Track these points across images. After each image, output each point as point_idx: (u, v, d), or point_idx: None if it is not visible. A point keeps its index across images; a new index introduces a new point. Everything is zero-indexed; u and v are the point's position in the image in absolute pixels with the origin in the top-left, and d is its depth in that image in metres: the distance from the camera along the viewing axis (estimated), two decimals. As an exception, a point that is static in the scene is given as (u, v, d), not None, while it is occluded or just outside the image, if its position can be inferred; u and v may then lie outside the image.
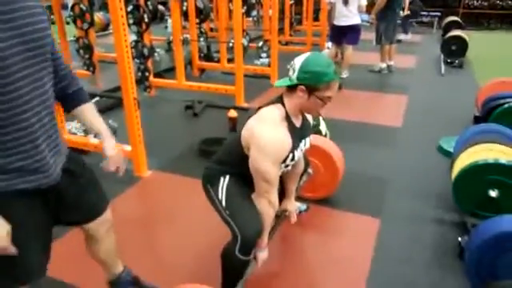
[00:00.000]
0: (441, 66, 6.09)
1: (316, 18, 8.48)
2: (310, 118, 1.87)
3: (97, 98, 4.33)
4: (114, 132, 3.74)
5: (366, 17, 6.04)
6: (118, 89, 3.54)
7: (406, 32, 8.98)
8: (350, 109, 4.43)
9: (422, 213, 2.47)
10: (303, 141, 1.74)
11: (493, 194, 2.18)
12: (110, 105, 4.24)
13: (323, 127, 3.40)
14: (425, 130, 3.71)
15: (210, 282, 1.48)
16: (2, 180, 1.13)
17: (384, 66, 5.86)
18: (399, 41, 8.34)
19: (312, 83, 1.52)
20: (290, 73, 1.56)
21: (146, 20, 4.37)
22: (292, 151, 1.62)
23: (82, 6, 4.63)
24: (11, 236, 1.11)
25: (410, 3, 8.49)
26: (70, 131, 3.48)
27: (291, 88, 1.57)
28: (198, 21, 5.43)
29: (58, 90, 1.32)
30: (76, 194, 1.36)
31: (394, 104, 4.53)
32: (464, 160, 2.36)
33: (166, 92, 4.91)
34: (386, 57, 5.83)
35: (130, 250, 2.12)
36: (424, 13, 9.93)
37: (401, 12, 8.82)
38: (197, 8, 5.40)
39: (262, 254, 1.73)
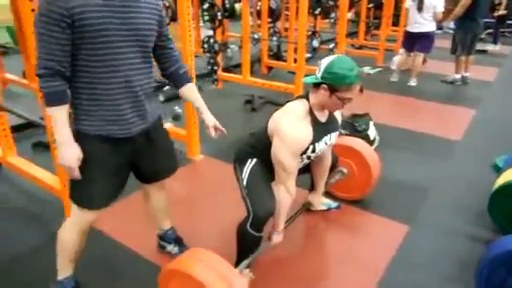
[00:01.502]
0: (525, 82, 5.64)
1: (395, 24, 8.25)
2: (338, 116, 1.98)
3: (167, 87, 4.74)
4: (179, 118, 4.12)
5: (451, 25, 5.77)
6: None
7: (495, 42, 8.36)
8: (410, 118, 4.35)
9: (455, 227, 2.43)
10: (328, 135, 1.85)
11: (531, 215, 2.10)
12: (179, 93, 4.63)
13: (372, 132, 3.44)
14: (485, 147, 3.54)
15: (230, 252, 1.75)
16: (87, 124, 1.49)
17: (458, 77, 5.58)
18: (485, 51, 7.81)
19: (334, 83, 1.65)
20: (317, 72, 1.70)
21: (219, 18, 4.68)
22: (313, 143, 1.75)
23: (165, 1, 5.08)
24: (86, 167, 1.49)
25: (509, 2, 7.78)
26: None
27: (316, 86, 1.71)
28: (269, 20, 5.66)
29: (171, 72, 1.74)
30: (147, 157, 1.70)
31: (458, 117, 4.34)
32: (507, 176, 2.29)
33: (233, 86, 5.21)
34: (461, 68, 5.54)
35: (173, 219, 2.41)
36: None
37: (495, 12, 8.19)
38: (270, 8, 5.63)
39: (277, 237, 1.89)
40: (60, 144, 1.44)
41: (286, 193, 1.79)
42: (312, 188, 2.30)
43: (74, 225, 1.68)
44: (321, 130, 1.80)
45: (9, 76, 4.74)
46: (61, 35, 1.34)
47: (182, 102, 3.35)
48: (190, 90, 1.79)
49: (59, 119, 1.42)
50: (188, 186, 3.03)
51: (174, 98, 4.57)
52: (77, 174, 1.48)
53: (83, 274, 1.87)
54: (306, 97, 1.78)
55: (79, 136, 1.50)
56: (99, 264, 2.09)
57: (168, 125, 3.62)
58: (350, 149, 2.54)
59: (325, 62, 1.69)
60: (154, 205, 1.99)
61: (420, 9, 5.03)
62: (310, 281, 2.02)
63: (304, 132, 1.72)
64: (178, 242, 2.12)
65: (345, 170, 2.53)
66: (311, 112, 1.75)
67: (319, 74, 1.68)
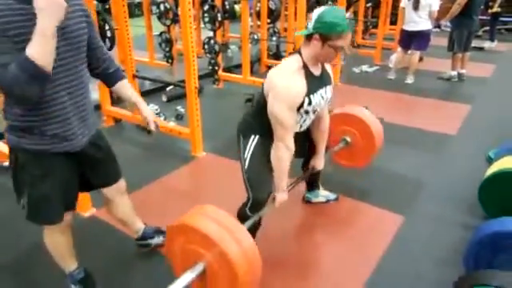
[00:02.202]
0: (520, 78, 5.74)
1: (393, 22, 8.35)
2: (330, 70, 2.02)
3: (171, 87, 4.86)
4: (182, 117, 4.24)
5: (449, 23, 5.87)
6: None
7: (492, 39, 8.45)
8: (407, 114, 4.46)
9: (450, 217, 2.53)
10: (323, 88, 1.90)
11: (519, 203, 2.20)
12: (181, 93, 4.74)
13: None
14: (479, 141, 3.64)
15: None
16: (42, 144, 1.49)
17: (454, 73, 5.68)
18: (481, 48, 7.91)
19: (325, 32, 1.69)
20: (308, 24, 1.75)
21: (219, 19, 4.79)
22: (308, 95, 1.79)
23: (166, 4, 5.21)
24: (39, 185, 1.52)
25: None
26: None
27: (308, 38, 1.76)
28: (269, 21, 5.78)
29: (101, 71, 1.70)
30: (98, 163, 1.74)
31: (454, 112, 4.44)
32: (497, 166, 2.39)
33: (233, 85, 5.32)
34: (457, 65, 5.64)
35: (173, 213, 2.52)
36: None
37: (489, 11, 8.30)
38: (269, 9, 5.75)
39: (280, 196, 1.92)
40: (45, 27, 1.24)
41: (285, 149, 1.80)
42: (313, 153, 2.29)
43: (50, 231, 1.74)
44: (315, 82, 1.83)
45: None
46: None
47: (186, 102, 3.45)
48: (122, 87, 1.78)
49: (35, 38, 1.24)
50: (191, 181, 3.15)
51: (177, 98, 4.69)
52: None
53: (93, 264, 1.99)
54: (299, 52, 1.81)
55: (27, 154, 1.50)
56: (109, 254, 2.20)
57: (172, 124, 3.75)
58: (353, 117, 2.56)
59: (316, 13, 1.72)
60: (121, 210, 2.00)
61: (416, 8, 5.13)
62: (306, 269, 2.13)
63: (297, 84, 1.75)
64: (159, 231, 2.17)
65: (348, 139, 2.58)
66: (305, 66, 1.79)
67: (311, 26, 1.72)
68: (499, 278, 1.45)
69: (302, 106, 1.80)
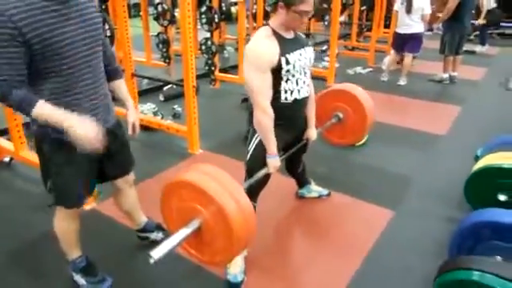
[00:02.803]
0: (510, 81, 5.87)
1: (387, 26, 8.48)
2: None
3: (168, 86, 4.94)
4: (179, 116, 4.32)
5: (435, 27, 6.00)
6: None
7: (483, 43, 8.62)
8: (398, 115, 4.58)
9: (438, 212, 2.64)
10: (301, 49, 1.95)
11: (502, 197, 2.31)
12: (178, 93, 4.83)
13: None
14: (468, 140, 3.75)
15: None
16: (59, 132, 1.52)
17: (446, 76, 5.81)
18: (473, 52, 8.06)
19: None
20: None
21: (216, 20, 4.88)
22: (283, 55, 1.85)
23: (164, 5, 5.29)
24: (61, 170, 1.63)
25: (488, 12, 8.14)
26: (143, 112, 4.11)
27: (274, 7, 1.85)
28: (264, 22, 5.87)
29: (104, 66, 1.77)
30: (116, 151, 1.82)
31: (444, 113, 4.57)
32: (482, 163, 2.50)
33: (229, 86, 5.41)
34: (448, 67, 5.78)
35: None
36: (508, 24, 9.41)
37: (476, 21, 8.55)
38: (265, 11, 5.85)
39: (272, 161, 1.96)
40: (70, 125, 1.44)
41: (262, 113, 1.85)
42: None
43: (64, 217, 1.84)
44: (288, 43, 1.89)
45: None
46: (12, 54, 1.38)
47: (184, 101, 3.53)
48: (118, 86, 1.88)
49: (49, 112, 1.45)
50: (189, 178, 3.23)
51: (174, 97, 4.78)
52: (99, 140, 1.48)
53: (94, 255, 2.07)
54: (267, 24, 1.91)
55: (51, 142, 1.60)
56: (110, 246, 2.29)
57: (170, 122, 3.83)
58: (345, 93, 2.58)
59: None
60: (127, 200, 2.09)
61: (409, 11, 5.25)
62: (297, 263, 2.23)
63: (266, 45, 1.82)
64: (159, 227, 2.26)
65: (340, 115, 2.60)
66: (274, 32, 1.87)
67: None
68: (478, 262, 1.55)
69: (280, 67, 1.85)
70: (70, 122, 1.45)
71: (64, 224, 1.85)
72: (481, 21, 8.07)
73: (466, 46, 8.22)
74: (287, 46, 1.87)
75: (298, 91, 1.99)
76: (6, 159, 3.23)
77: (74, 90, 1.56)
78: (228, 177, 1.52)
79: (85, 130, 1.44)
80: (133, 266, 2.16)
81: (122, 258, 2.21)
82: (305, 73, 2.01)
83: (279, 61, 1.84)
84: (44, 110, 1.45)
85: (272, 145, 1.94)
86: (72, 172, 1.67)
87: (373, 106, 2.59)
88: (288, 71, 1.89)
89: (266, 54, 1.81)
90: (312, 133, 2.28)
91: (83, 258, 1.97)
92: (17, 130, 2.91)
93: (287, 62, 1.86)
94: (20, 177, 3.10)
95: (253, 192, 1.98)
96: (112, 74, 1.84)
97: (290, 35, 1.93)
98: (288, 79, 1.92)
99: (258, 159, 1.98)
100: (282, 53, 1.85)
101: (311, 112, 2.24)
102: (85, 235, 2.00)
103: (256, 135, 1.99)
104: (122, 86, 1.90)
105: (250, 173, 2.02)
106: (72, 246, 1.92)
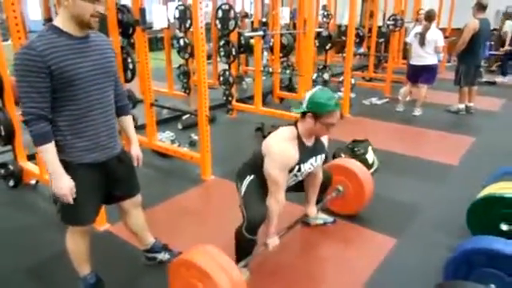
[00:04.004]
0: (528, 112, 5.82)
1: (406, 57, 8.58)
2: (325, 140, 2.30)
3: (187, 116, 5.17)
4: (195, 144, 4.51)
5: (441, 56, 6.07)
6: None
7: (504, 74, 8.57)
8: (410, 145, 4.62)
9: (442, 241, 2.64)
10: (314, 157, 2.19)
11: (504, 227, 2.31)
12: (195, 122, 5.03)
13: (370, 156, 3.72)
14: (479, 171, 3.72)
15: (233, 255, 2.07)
16: (72, 156, 1.77)
17: (462, 106, 5.82)
18: (493, 83, 8.02)
19: (317, 111, 1.98)
20: (303, 103, 2.05)
21: (234, 53, 5.13)
22: (299, 164, 2.08)
23: (185, 39, 5.62)
24: (75, 191, 1.76)
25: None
26: (161, 140, 4.31)
27: (303, 115, 2.05)
28: (281, 55, 6.11)
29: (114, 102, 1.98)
30: (122, 175, 1.99)
31: (457, 144, 4.57)
32: (484, 192, 2.52)
33: (246, 115, 5.60)
34: (464, 98, 5.79)
35: (181, 230, 2.73)
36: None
37: (499, 51, 8.56)
38: (282, 43, 6.09)
39: (272, 241, 2.18)
40: (53, 175, 1.69)
41: (276, 203, 2.10)
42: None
43: (74, 234, 1.98)
44: (307, 152, 2.13)
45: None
46: (40, 84, 1.59)
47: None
48: (125, 121, 2.06)
49: (49, 154, 1.67)
50: (199, 202, 3.37)
51: (191, 126, 4.99)
52: (70, 200, 1.74)
53: (105, 273, 2.20)
54: (295, 124, 2.12)
55: (63, 165, 1.74)
56: (120, 266, 2.42)
57: (185, 149, 4.01)
58: (346, 169, 2.83)
59: (308, 95, 2.05)
60: (135, 222, 2.21)
61: (422, 43, 5.37)
62: (300, 283, 2.28)
63: (290, 151, 2.05)
64: (166, 248, 2.38)
65: (341, 188, 2.82)
66: (299, 137, 2.09)
67: (304, 105, 2.04)
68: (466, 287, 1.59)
69: (292, 170, 2.10)
70: (54, 175, 1.70)
71: (73, 241, 2.00)
72: (507, 47, 8.05)
73: (487, 77, 8.25)
74: (305, 155, 2.12)
75: (294, 181, 2.27)
76: (33, 182, 3.47)
77: (87, 118, 1.75)
78: (225, 256, 1.79)
79: (61, 185, 1.71)
80: (140, 284, 2.27)
81: (130, 276, 2.33)
82: (303, 174, 2.25)
83: (293, 167, 2.09)
84: (48, 152, 1.67)
85: (273, 228, 2.16)
86: (80, 192, 1.81)
87: (371, 181, 2.84)
88: (295, 175, 2.17)
89: (290, 160, 2.05)
90: (310, 210, 2.51)
91: (93, 275, 2.10)
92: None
93: (299, 170, 2.13)
94: (43, 198, 3.31)
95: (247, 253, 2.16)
96: (120, 110, 2.02)
97: (310, 141, 2.15)
98: (291, 177, 2.18)
99: (252, 193, 2.16)
100: (299, 162, 2.09)
101: (313, 194, 2.48)
102: (97, 255, 2.15)
103: (245, 180, 2.20)
104: (129, 122, 2.09)
105: (246, 205, 2.13)
106: (82, 262, 2.06)
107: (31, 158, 3.54)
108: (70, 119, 1.73)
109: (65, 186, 1.72)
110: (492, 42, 9.21)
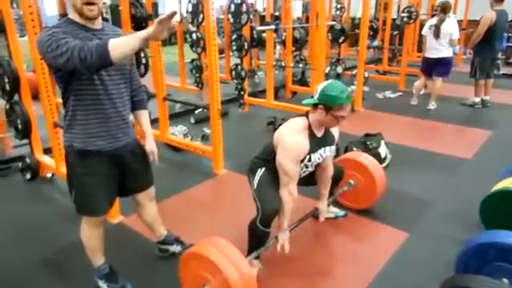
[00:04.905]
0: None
1: (421, 49, 8.45)
2: (335, 132, 2.30)
3: (199, 110, 5.20)
4: (207, 137, 4.54)
5: (457, 49, 5.96)
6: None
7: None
8: (424, 138, 4.56)
9: (454, 235, 2.62)
10: (323, 148, 2.19)
11: (518, 222, 2.28)
12: (208, 116, 5.06)
13: (383, 150, 3.70)
14: (495, 165, 3.67)
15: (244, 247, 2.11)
16: (79, 141, 1.80)
17: (478, 100, 5.72)
18: (511, 76, 7.85)
19: (328, 104, 1.98)
20: (314, 95, 2.05)
21: (246, 47, 5.13)
22: (309, 153, 2.09)
23: (198, 33, 5.63)
24: (84, 181, 1.83)
25: None
26: (174, 134, 4.35)
27: (314, 106, 2.05)
28: (293, 49, 6.09)
29: (130, 96, 2.00)
30: (136, 168, 2.03)
31: (473, 137, 4.50)
32: (499, 186, 2.49)
33: (258, 109, 5.61)
34: (480, 91, 5.69)
35: (193, 222, 2.77)
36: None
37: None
38: (294, 37, 6.06)
39: (283, 235, 2.19)
40: (141, 34, 1.46)
41: (288, 194, 2.11)
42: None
43: (88, 225, 2.02)
44: (317, 143, 2.14)
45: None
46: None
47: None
48: (140, 116, 2.09)
49: (123, 38, 1.51)
50: (211, 195, 3.41)
51: (204, 120, 5.02)
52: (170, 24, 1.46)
53: (119, 264, 2.25)
54: (306, 115, 2.13)
55: (75, 154, 1.81)
56: (134, 257, 2.47)
57: (198, 143, 4.05)
58: (358, 163, 2.82)
59: (320, 87, 2.05)
60: (148, 213, 2.25)
61: (437, 36, 5.28)
62: (311, 275, 2.30)
63: (301, 142, 2.06)
64: (178, 241, 2.41)
65: (352, 182, 2.82)
66: (309, 127, 2.10)
67: (316, 97, 2.04)
68: (477, 281, 1.58)
69: (303, 160, 2.12)
70: (141, 34, 1.46)
71: (87, 232, 2.04)
72: None
73: (505, 70, 8.07)
74: (314, 145, 2.13)
75: (304, 172, 2.27)
76: (49, 175, 3.55)
77: (98, 106, 1.79)
78: (235, 249, 1.80)
79: (158, 21, 1.42)
80: (153, 275, 2.31)
81: (143, 267, 2.37)
82: (313, 165, 2.28)
83: (304, 157, 2.11)
84: (120, 39, 1.50)
85: (286, 222, 2.17)
86: (92, 182, 1.86)
87: (383, 175, 2.81)
88: (306, 165, 2.20)
89: (302, 151, 2.08)
90: (322, 205, 2.50)
91: (106, 266, 2.14)
92: (58, 147, 3.20)
93: (309, 160, 2.15)
94: (59, 190, 3.39)
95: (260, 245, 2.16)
96: (136, 104, 2.06)
97: (320, 132, 2.16)
98: (301, 168, 2.19)
99: (265, 185, 2.17)
100: (309, 152, 2.11)
101: (325, 188, 2.46)
102: (111, 246, 2.19)
103: (257, 173, 2.22)
104: (144, 116, 2.11)
105: (259, 197, 2.14)
106: (95, 252, 2.10)
107: (47, 151, 3.62)
108: (82, 105, 1.77)
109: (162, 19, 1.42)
110: (510, 34, 9.00)
